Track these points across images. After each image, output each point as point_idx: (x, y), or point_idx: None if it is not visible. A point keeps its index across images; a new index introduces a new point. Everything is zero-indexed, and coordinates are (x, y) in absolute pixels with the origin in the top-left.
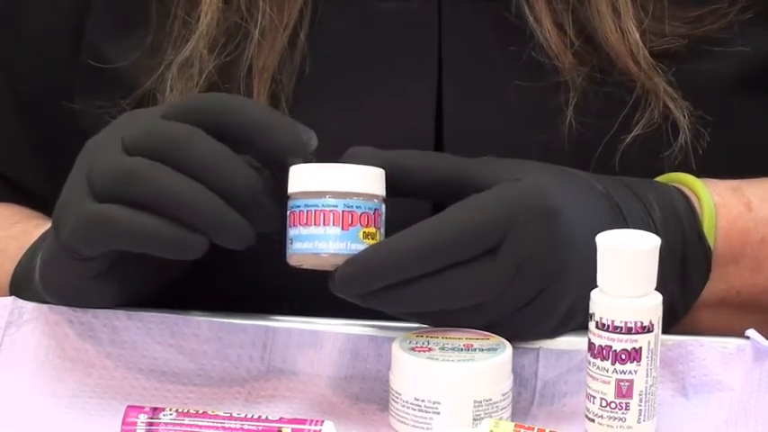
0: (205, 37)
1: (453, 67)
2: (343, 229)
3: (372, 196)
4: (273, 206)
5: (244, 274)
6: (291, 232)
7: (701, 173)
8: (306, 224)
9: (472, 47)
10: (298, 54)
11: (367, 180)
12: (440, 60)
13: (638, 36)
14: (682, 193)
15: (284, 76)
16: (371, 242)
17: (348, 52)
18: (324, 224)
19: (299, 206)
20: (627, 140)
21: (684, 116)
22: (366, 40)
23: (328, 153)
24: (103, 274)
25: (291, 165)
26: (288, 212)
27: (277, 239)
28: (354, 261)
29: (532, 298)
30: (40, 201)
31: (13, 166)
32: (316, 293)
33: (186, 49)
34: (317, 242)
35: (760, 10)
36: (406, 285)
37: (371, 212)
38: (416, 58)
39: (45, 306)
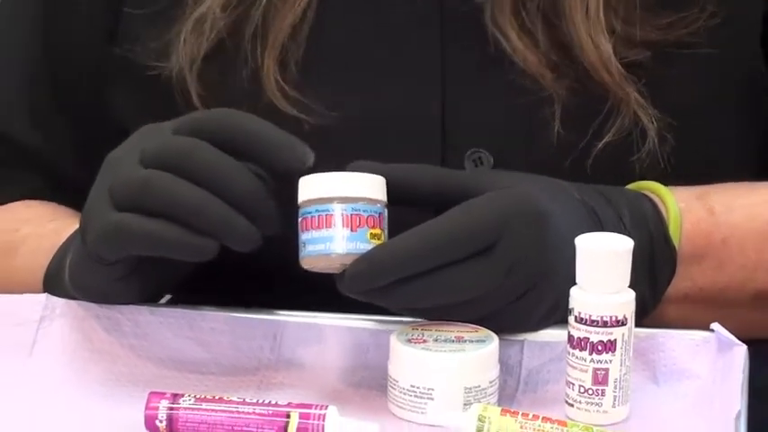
0: None
1: (457, 67)
2: (351, 230)
3: (376, 201)
4: (276, 210)
5: (256, 273)
6: (304, 236)
7: (668, 176)
8: (318, 227)
9: (473, 53)
10: (306, 25)
11: (370, 186)
12: (443, 63)
13: (610, 49)
14: (650, 199)
15: (293, 44)
16: (377, 242)
17: (354, 26)
18: (334, 226)
19: (310, 212)
20: (599, 146)
21: (653, 123)
22: (371, 14)
23: (336, 117)
24: (126, 275)
25: (299, 177)
26: (299, 219)
27: (282, 242)
28: (363, 259)
29: (521, 294)
30: (77, 197)
31: (53, 154)
32: (321, 292)
33: (203, 5)
34: (329, 243)
35: (727, 15)
36: (408, 282)
37: (377, 215)
38: (419, 37)
39: (75, 302)
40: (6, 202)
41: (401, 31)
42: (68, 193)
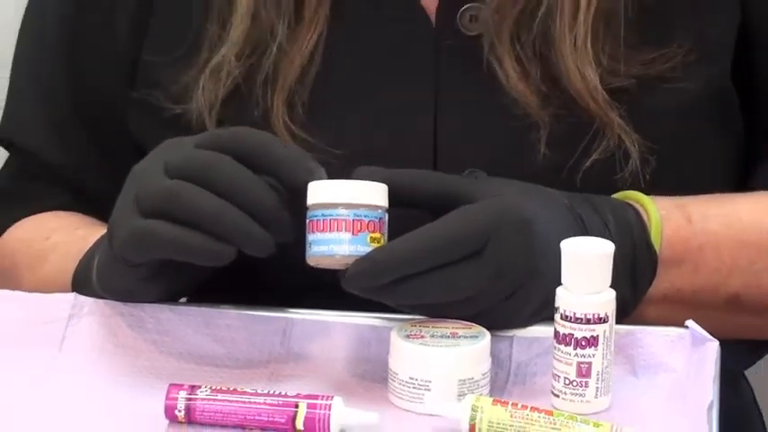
0: (234, 47)
1: (449, 90)
2: (353, 234)
3: (377, 207)
4: (289, 220)
5: (267, 275)
6: (310, 237)
7: (648, 192)
8: (323, 230)
9: (464, 78)
10: (313, 69)
11: (372, 193)
12: (436, 91)
13: (597, 79)
14: (633, 208)
15: (300, 87)
16: (377, 245)
17: (356, 70)
18: (338, 230)
19: (316, 215)
20: (587, 164)
21: (634, 146)
22: (372, 59)
23: (339, 155)
24: (149, 277)
25: (309, 182)
26: (307, 221)
27: (293, 248)
28: (363, 260)
29: (510, 294)
30: (101, 208)
31: (78, 171)
32: (327, 291)
33: (218, 54)
34: (333, 245)
35: (702, 53)
36: (406, 281)
37: (377, 220)
38: (415, 78)
39: (101, 301)
40: (37, 213)
41: (398, 65)
42: (93, 204)
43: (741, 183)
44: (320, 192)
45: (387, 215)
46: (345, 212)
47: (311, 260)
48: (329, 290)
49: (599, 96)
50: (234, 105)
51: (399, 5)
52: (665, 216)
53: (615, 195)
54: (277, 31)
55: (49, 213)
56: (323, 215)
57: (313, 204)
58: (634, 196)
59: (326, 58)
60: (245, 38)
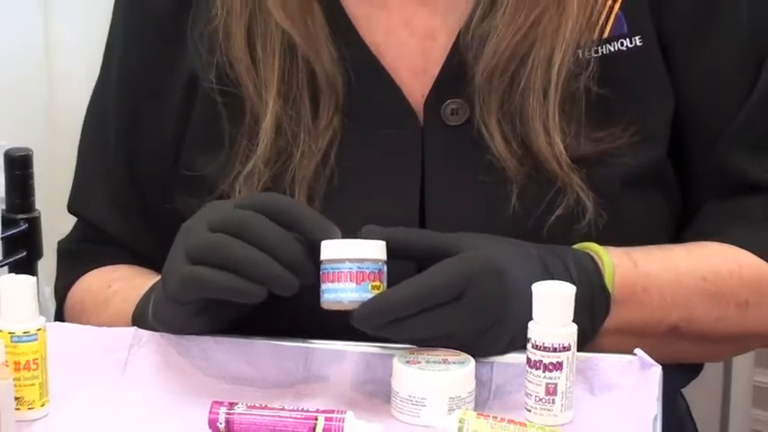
0: (262, 157)
1: (434, 172)
2: (357, 284)
3: (378, 260)
4: (311, 267)
5: (292, 313)
6: (323, 286)
7: (601, 240)
8: (332, 281)
9: (447, 157)
10: (328, 169)
11: (373, 249)
12: (423, 171)
13: (561, 147)
14: (591, 256)
15: (317, 183)
16: (377, 291)
17: (361, 166)
18: (344, 281)
19: (327, 268)
20: (551, 218)
21: (590, 202)
22: (373, 157)
23: (348, 229)
24: (196, 313)
25: (323, 241)
26: (321, 272)
27: (313, 291)
28: (365, 305)
29: (485, 330)
30: (150, 263)
31: (132, 238)
32: (339, 326)
33: (249, 165)
34: (340, 293)
35: (644, 136)
36: (402, 321)
37: (377, 271)
38: (406, 172)
39: (157, 333)
40: (99, 268)
41: (391, 156)
42: (144, 260)
43: (676, 235)
44: (330, 249)
45: (385, 266)
46: (350, 266)
47: (324, 305)
48: (340, 324)
49: (563, 161)
50: None
51: (392, 107)
52: (616, 263)
53: (575, 246)
54: (299, 140)
55: (110, 267)
56: (332, 269)
57: (325, 260)
58: (591, 247)
59: (339, 156)
60: (271, 148)
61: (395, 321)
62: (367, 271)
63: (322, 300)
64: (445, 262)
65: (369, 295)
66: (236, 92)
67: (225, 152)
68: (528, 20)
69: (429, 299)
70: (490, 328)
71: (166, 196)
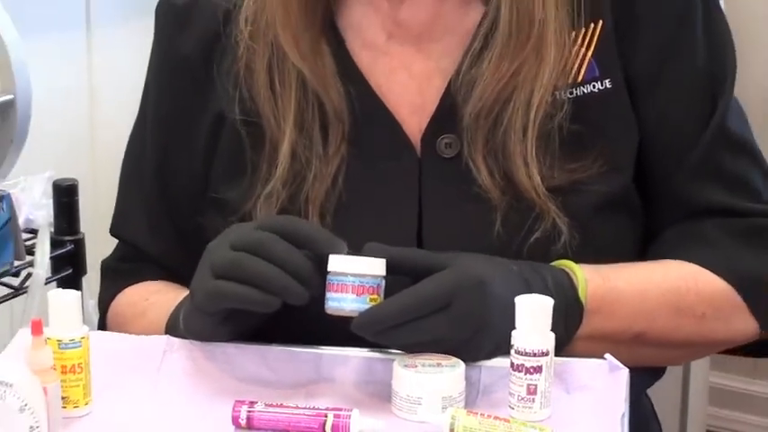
0: (280, 179)
1: (430, 198)
2: (357, 295)
3: (377, 275)
4: (318, 280)
5: (302, 321)
6: (327, 295)
7: (576, 260)
8: (336, 291)
9: (441, 185)
10: (337, 190)
11: (373, 266)
12: (420, 197)
13: (539, 179)
14: (566, 272)
15: (328, 203)
16: (374, 303)
17: (366, 190)
18: (346, 292)
19: (332, 279)
20: (531, 240)
21: (565, 227)
22: (376, 183)
23: (354, 245)
24: (221, 322)
25: (331, 255)
26: (327, 282)
27: (321, 303)
28: (363, 315)
29: (469, 338)
30: (183, 279)
31: (166, 256)
32: (344, 333)
33: (268, 187)
34: (342, 303)
35: (612, 166)
36: (396, 328)
37: (376, 286)
38: (405, 197)
39: (186, 341)
40: (138, 283)
41: (392, 182)
42: (176, 275)
43: (641, 253)
44: (336, 262)
45: (384, 281)
46: (353, 279)
47: (327, 311)
48: (343, 333)
49: (540, 191)
50: None
51: (392, 140)
52: (588, 278)
53: (552, 263)
54: (312, 165)
55: (147, 282)
56: (337, 280)
57: (331, 271)
58: (567, 264)
59: (347, 178)
60: (288, 171)
61: (390, 329)
62: (367, 285)
63: (326, 306)
64: (435, 275)
65: (366, 306)
66: (258, 121)
67: (248, 177)
68: (510, 68)
69: (418, 310)
70: (473, 336)
71: (197, 213)
